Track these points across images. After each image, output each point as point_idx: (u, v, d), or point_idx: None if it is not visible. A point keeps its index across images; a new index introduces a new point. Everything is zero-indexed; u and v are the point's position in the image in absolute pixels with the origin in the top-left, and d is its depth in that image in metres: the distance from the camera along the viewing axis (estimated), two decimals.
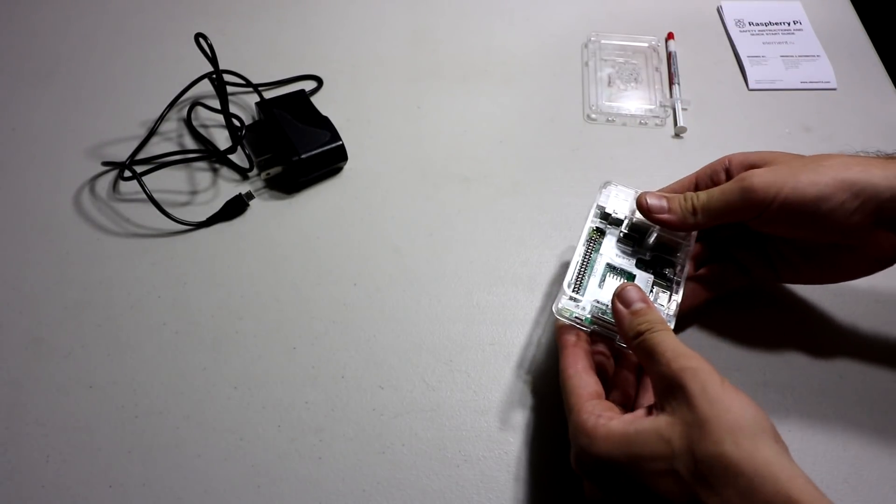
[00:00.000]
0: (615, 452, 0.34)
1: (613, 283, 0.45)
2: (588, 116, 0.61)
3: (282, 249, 0.52)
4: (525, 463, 0.43)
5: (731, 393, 0.33)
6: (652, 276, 0.45)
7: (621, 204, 0.47)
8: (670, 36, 0.67)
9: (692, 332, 0.48)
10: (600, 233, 0.47)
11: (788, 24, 0.69)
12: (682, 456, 0.31)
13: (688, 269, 0.45)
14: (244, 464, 0.43)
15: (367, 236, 0.53)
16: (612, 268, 0.46)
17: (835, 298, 0.49)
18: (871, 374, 0.46)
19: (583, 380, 0.39)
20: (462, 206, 0.55)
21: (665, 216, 0.44)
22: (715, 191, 0.42)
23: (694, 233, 0.46)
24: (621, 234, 0.47)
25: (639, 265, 0.46)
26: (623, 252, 0.46)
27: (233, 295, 0.50)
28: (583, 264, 0.45)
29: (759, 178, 0.40)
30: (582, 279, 0.45)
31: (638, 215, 0.46)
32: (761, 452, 0.31)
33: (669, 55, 0.65)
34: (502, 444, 0.43)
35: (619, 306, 0.40)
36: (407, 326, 0.48)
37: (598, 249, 0.46)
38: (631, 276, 0.45)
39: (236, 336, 0.48)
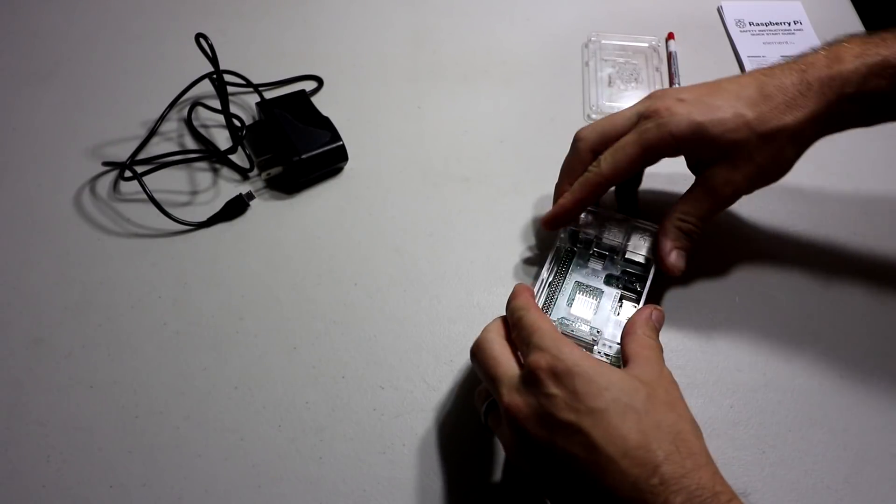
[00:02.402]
0: (592, 371, 0.34)
1: (583, 299, 0.46)
2: (588, 116, 0.61)
3: (282, 249, 0.52)
4: None
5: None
6: (620, 292, 0.46)
7: (589, 223, 0.49)
8: (670, 36, 0.67)
9: (692, 333, 0.48)
10: (569, 252, 0.49)
11: (789, 24, 0.69)
12: (646, 405, 0.34)
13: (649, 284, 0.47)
14: (245, 464, 0.43)
15: (368, 236, 0.53)
16: (581, 285, 0.47)
17: (835, 298, 0.50)
18: (871, 373, 0.46)
19: (546, 319, 0.39)
20: (462, 206, 0.55)
21: (557, 211, 0.47)
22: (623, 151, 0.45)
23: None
24: (591, 253, 0.48)
25: (608, 281, 0.47)
26: (593, 269, 0.48)
27: (233, 295, 0.50)
28: (552, 284, 0.47)
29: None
30: (552, 298, 0.46)
31: (607, 236, 0.48)
32: (701, 438, 0.35)
33: (670, 55, 0.65)
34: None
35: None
36: (407, 326, 0.48)
37: (568, 269, 0.48)
38: (599, 293, 0.46)
39: (237, 336, 0.48)
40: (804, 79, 0.43)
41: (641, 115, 0.45)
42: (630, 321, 0.40)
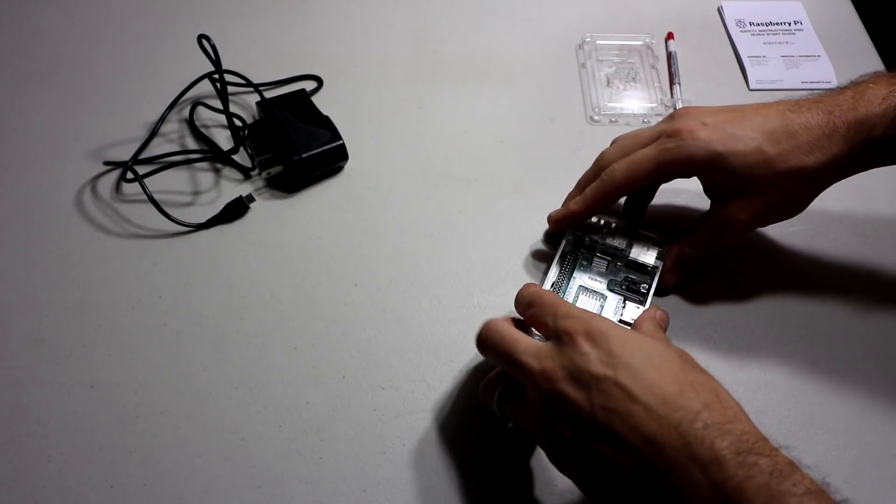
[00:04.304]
0: (623, 332, 0.35)
1: (586, 300, 0.47)
2: (591, 118, 0.61)
3: (283, 249, 0.52)
4: (527, 464, 0.43)
5: None
6: (623, 297, 0.47)
7: (594, 228, 0.50)
8: (670, 36, 0.67)
9: (692, 333, 0.48)
10: (574, 256, 0.49)
11: (789, 24, 0.69)
12: (681, 361, 0.35)
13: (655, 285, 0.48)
14: (245, 464, 0.43)
15: (368, 236, 0.53)
16: (584, 289, 0.48)
17: (835, 297, 0.50)
18: (871, 374, 0.46)
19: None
20: (463, 207, 0.55)
21: (567, 212, 0.49)
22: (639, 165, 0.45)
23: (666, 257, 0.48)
24: (596, 257, 0.49)
25: (611, 286, 0.48)
26: (597, 273, 0.48)
27: (234, 295, 0.50)
28: (556, 287, 0.47)
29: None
30: None
31: (612, 241, 0.49)
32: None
33: (670, 55, 0.65)
34: (504, 445, 0.43)
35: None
36: (408, 327, 0.49)
37: (572, 272, 0.48)
38: (602, 297, 0.47)
39: (237, 336, 0.48)
40: (830, 121, 0.42)
41: (663, 133, 0.45)
42: (636, 321, 0.40)
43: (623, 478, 0.32)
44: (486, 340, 0.39)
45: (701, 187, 0.48)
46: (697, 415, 0.31)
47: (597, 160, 0.49)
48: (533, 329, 0.41)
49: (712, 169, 0.44)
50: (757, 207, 0.44)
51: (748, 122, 0.43)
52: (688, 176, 0.46)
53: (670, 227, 0.50)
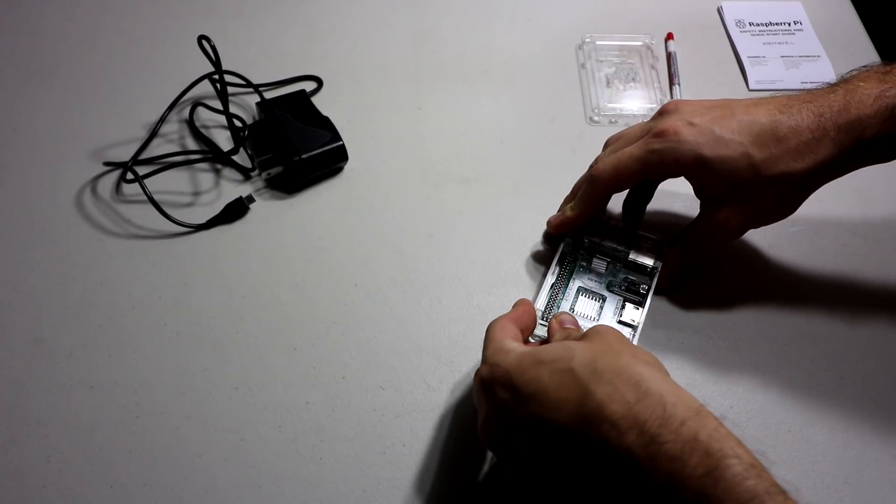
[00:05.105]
0: (525, 360, 0.36)
1: (585, 302, 0.47)
2: (591, 119, 0.61)
3: (283, 250, 0.52)
4: None
5: (637, 346, 0.37)
6: (622, 299, 0.47)
7: (593, 230, 0.50)
8: (670, 36, 0.67)
9: (691, 334, 0.48)
10: (573, 258, 0.49)
11: (789, 24, 0.69)
12: (582, 358, 0.34)
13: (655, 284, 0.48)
14: (245, 464, 0.43)
15: (368, 237, 0.53)
16: (583, 290, 0.48)
17: (835, 298, 0.50)
18: (871, 374, 0.46)
19: (508, 328, 0.40)
20: (463, 207, 0.55)
21: (566, 218, 0.50)
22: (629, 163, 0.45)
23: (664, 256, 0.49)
24: (595, 259, 0.49)
25: (610, 287, 0.48)
26: (596, 275, 0.48)
27: (234, 295, 0.50)
28: (554, 289, 0.48)
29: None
30: (554, 302, 0.47)
31: (611, 243, 0.50)
32: (652, 369, 0.34)
33: (669, 55, 0.65)
34: None
35: (555, 324, 0.43)
36: (408, 327, 0.49)
37: (571, 273, 0.48)
38: (601, 298, 0.47)
39: (237, 336, 0.48)
40: (820, 123, 0.41)
41: (650, 131, 0.45)
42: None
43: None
44: None
45: None
46: (601, 415, 0.32)
47: (590, 166, 0.49)
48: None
49: (699, 172, 0.43)
50: (746, 214, 0.44)
51: (736, 121, 0.43)
52: (675, 176, 0.46)
53: (669, 230, 0.50)
